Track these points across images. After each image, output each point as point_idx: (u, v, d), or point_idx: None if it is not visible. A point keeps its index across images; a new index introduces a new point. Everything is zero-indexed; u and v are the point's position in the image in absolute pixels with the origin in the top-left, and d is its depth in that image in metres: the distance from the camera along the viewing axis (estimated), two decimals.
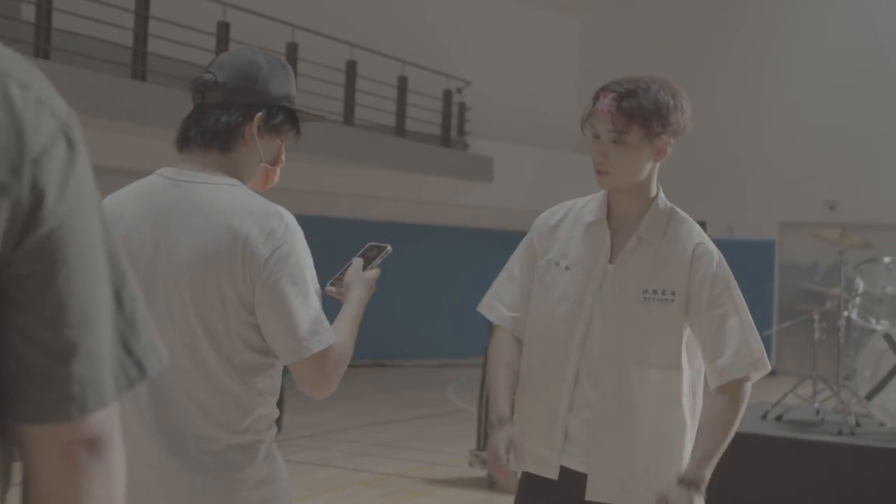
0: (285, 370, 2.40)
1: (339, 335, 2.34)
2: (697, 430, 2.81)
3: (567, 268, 2.86)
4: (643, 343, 2.76)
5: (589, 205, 2.93)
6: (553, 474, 2.82)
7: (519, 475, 2.92)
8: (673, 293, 2.77)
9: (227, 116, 2.35)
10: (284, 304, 2.23)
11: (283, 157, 2.52)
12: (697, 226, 2.90)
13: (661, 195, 2.90)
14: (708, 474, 2.73)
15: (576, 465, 2.81)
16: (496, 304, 2.98)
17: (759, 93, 18.32)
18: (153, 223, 2.31)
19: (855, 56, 17.59)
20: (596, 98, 2.78)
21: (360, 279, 2.56)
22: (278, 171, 2.53)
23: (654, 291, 2.77)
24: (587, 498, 2.79)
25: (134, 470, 2.11)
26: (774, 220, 18.15)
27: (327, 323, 2.32)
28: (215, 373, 2.25)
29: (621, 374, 2.77)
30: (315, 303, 2.31)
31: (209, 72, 2.39)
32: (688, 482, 2.69)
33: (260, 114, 2.38)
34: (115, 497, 1.20)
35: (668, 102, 2.75)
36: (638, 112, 2.71)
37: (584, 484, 2.79)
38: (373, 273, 2.58)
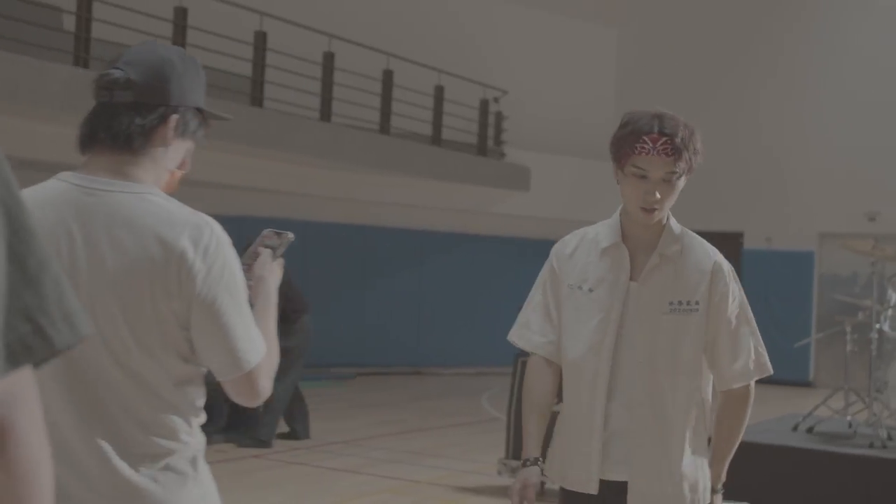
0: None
1: (266, 338, 2.24)
2: (715, 432, 3.07)
3: (590, 290, 3.04)
4: (673, 352, 2.97)
5: (602, 231, 3.11)
6: (593, 489, 2.99)
7: (554, 486, 3.14)
8: (697, 303, 2.98)
9: (142, 118, 2.18)
10: (222, 320, 2.13)
11: (189, 161, 2.34)
12: (706, 241, 3.12)
13: (671, 215, 3.10)
14: (724, 475, 3.04)
15: (614, 476, 2.98)
16: (525, 332, 3.16)
17: (800, 104, 18.19)
18: (67, 236, 2.14)
19: (894, 67, 17.44)
20: (636, 139, 2.92)
21: (270, 270, 2.39)
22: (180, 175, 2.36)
23: (680, 303, 2.98)
24: (630, 501, 2.96)
25: (77, 491, 2.09)
26: (814, 231, 18.01)
27: (258, 332, 2.21)
28: (155, 388, 2.14)
29: (654, 384, 2.96)
30: (249, 314, 2.20)
31: (118, 68, 2.21)
32: (715, 490, 3.00)
33: (176, 116, 2.22)
34: (22, 498, 1.06)
35: (698, 146, 2.99)
36: (687, 156, 2.94)
37: (623, 491, 2.97)
38: (280, 263, 2.42)
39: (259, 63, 13.33)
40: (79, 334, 1.09)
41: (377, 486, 8.02)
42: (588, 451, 2.99)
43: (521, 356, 8.04)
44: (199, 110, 2.29)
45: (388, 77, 15.31)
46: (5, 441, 1.05)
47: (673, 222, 3.06)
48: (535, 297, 3.16)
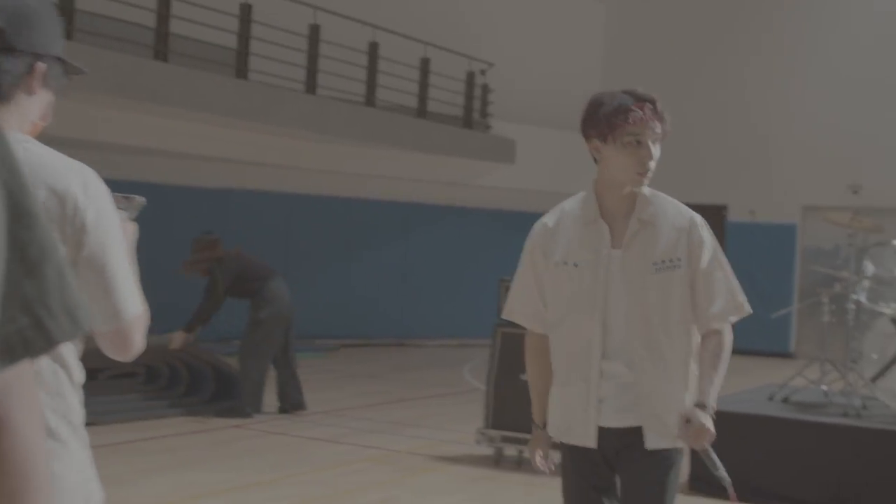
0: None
1: None
2: (700, 361, 3.30)
3: (576, 265, 3.28)
4: (664, 307, 3.24)
5: (578, 206, 3.36)
6: (592, 443, 3.27)
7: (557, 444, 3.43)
8: (679, 259, 3.25)
9: (12, 66, 2.08)
10: (108, 268, 2.09)
11: (50, 114, 2.25)
12: (674, 199, 3.38)
13: None
14: (715, 400, 3.22)
15: (610, 423, 3.26)
16: (518, 309, 3.46)
17: (785, 80, 18.22)
18: None
19: (881, 44, 17.48)
20: (627, 109, 3.21)
21: (125, 232, 2.27)
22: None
23: (664, 262, 3.25)
24: (647, 447, 3.23)
25: None
26: (797, 204, 18.09)
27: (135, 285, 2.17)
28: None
29: (651, 339, 3.23)
30: (128, 265, 2.15)
31: None
32: (702, 405, 3.18)
33: (42, 65, 2.12)
34: (16, 491, 1.04)
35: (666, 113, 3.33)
36: (667, 120, 3.28)
37: (620, 436, 3.26)
38: (133, 226, 2.33)
39: (244, 35, 13.31)
40: (80, 328, 1.05)
41: (356, 455, 8.09)
42: (586, 409, 3.26)
43: (500, 327, 8.10)
44: (59, 60, 2.19)
45: (373, 49, 15.29)
46: (1, 433, 1.02)
47: (644, 188, 3.30)
48: (523, 275, 3.40)
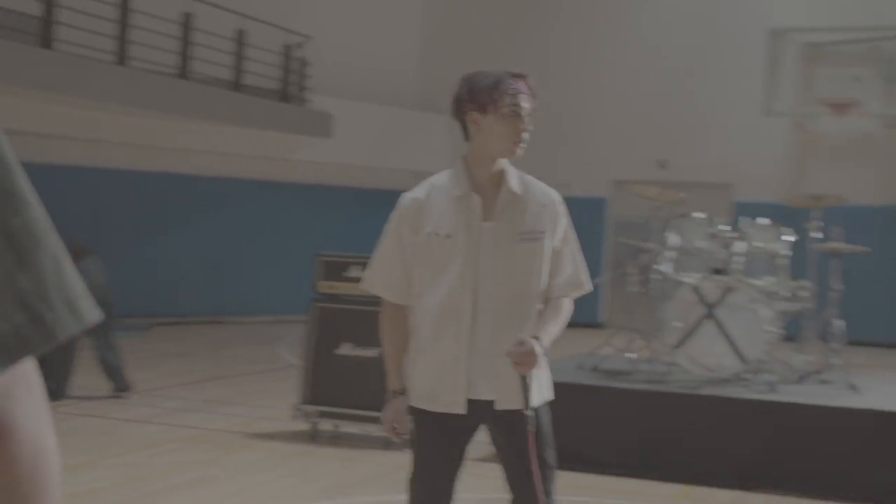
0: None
1: None
2: (542, 314, 3.50)
3: (448, 236, 3.42)
4: (528, 276, 3.46)
5: (450, 181, 3.51)
6: (462, 409, 3.42)
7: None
8: (542, 232, 3.48)
9: None
10: None
11: None
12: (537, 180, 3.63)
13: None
14: (549, 342, 3.42)
15: (479, 395, 3.43)
16: (379, 280, 3.56)
17: (595, 56, 18.70)
18: None
19: (685, 21, 18.11)
20: (507, 82, 3.43)
21: None
22: None
23: (529, 233, 3.46)
24: (497, 408, 3.43)
25: None
26: (608, 178, 18.61)
27: None
28: None
29: (518, 307, 3.45)
30: None
31: None
32: (536, 337, 3.36)
33: None
34: (26, 498, 0.97)
35: None
36: (535, 94, 3.52)
37: (487, 409, 3.43)
38: None
39: (49, 3, 12.77)
40: (82, 321, 0.95)
41: (169, 435, 7.92)
42: (456, 376, 3.41)
43: (316, 302, 8.06)
44: None
45: (187, 20, 14.91)
46: (5, 440, 0.94)
47: (508, 164, 3.53)
48: (387, 247, 3.53)
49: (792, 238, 8.46)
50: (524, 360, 3.29)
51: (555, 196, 3.56)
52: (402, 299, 3.54)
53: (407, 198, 3.53)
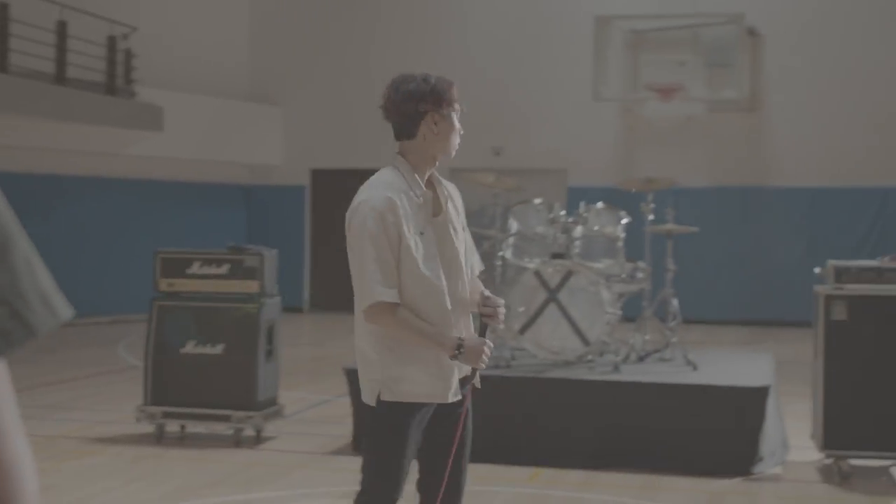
0: None
1: None
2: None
3: (421, 233, 3.58)
4: (469, 262, 3.76)
5: (405, 182, 3.60)
6: (459, 395, 3.66)
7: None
8: (464, 224, 3.80)
9: None
10: None
11: None
12: None
13: None
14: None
15: (463, 374, 3.69)
16: (385, 289, 3.51)
17: (425, 45, 18.71)
18: None
19: (516, 9, 18.36)
20: (451, 84, 3.74)
21: None
22: None
23: (462, 224, 3.77)
24: (476, 386, 3.82)
25: None
26: (444, 166, 18.70)
27: None
28: None
29: (473, 290, 3.73)
30: None
31: None
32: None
33: None
34: (5, 498, 0.98)
35: None
36: None
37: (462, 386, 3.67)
38: None
39: None
40: (58, 317, 0.98)
41: None
42: (451, 365, 3.57)
43: (156, 300, 7.84)
44: None
45: (3, 11, 14.29)
46: None
47: None
48: (380, 254, 3.50)
49: (626, 220, 8.68)
50: (498, 312, 3.64)
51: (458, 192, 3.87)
52: (399, 298, 3.62)
53: (379, 199, 3.52)
